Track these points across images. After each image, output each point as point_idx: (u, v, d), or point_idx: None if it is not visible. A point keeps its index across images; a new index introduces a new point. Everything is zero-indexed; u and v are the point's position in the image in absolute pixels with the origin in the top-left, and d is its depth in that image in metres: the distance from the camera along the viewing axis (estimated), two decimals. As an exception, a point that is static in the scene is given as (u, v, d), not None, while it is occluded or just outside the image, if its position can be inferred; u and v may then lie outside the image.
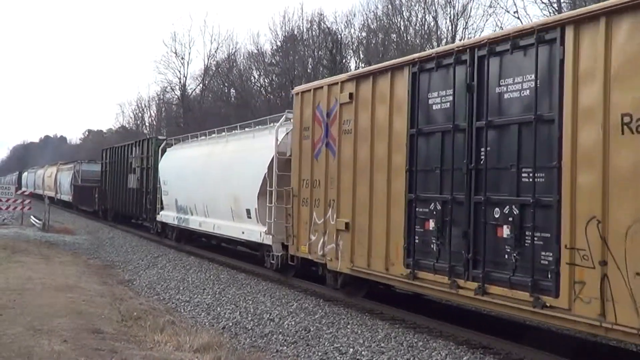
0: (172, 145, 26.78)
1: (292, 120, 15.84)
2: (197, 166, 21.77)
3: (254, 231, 17.26)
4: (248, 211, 17.62)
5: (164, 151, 26.73)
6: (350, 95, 12.94)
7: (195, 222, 22.10)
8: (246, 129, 20.13)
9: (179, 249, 24.57)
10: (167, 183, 25.03)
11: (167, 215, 25.28)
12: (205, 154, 21.59)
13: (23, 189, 61.24)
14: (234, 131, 20.96)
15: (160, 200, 26.07)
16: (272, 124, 17.75)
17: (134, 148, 31.67)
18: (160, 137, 28.92)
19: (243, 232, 18.03)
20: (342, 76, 13.79)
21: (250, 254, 20.49)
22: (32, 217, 35.10)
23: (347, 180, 13.01)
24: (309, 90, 14.80)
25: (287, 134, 15.99)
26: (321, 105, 14.08)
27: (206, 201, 20.85)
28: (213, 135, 22.47)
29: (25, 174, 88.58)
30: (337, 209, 13.27)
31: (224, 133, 21.49)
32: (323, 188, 13.85)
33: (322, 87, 14.25)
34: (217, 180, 19.76)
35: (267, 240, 16.40)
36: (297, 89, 15.71)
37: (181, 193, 23.43)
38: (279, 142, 16.10)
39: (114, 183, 35.52)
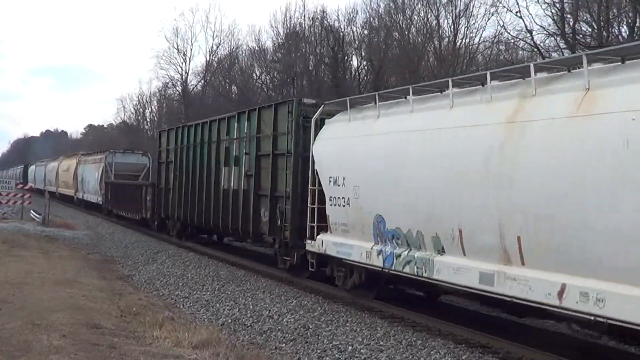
0: (334, 113, 14.83)
1: None
2: (455, 151, 10.54)
3: None
4: None
5: (318, 125, 14.92)
6: None
7: (468, 275, 10.27)
8: None
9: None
10: (346, 183, 13.24)
11: (341, 245, 13.48)
12: (491, 123, 10.03)
13: (30, 184, 59.68)
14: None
15: (316, 213, 14.49)
16: None
17: (236, 124, 19.67)
18: (306, 101, 16.43)
19: None
20: None
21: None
22: (32, 211, 35.08)
23: None
24: None
25: None
26: None
27: (524, 230, 9.25)
28: (496, 80, 10.50)
29: (32, 168, 79.92)
30: None
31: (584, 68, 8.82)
32: None
33: None
34: (578, 181, 8.50)
35: None
36: None
37: (396, 206, 11.83)
38: None
39: (187, 181, 23.40)
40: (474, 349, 10.18)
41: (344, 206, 13.35)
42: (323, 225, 14.31)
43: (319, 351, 10.38)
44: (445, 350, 10.15)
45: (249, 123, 18.79)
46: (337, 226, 13.73)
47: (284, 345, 10.87)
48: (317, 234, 14.40)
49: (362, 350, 10.27)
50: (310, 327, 11.87)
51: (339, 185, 13.53)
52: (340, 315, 12.72)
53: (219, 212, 20.46)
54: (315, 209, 14.55)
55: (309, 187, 14.78)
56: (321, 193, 14.30)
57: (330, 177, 13.85)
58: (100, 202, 39.30)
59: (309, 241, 14.67)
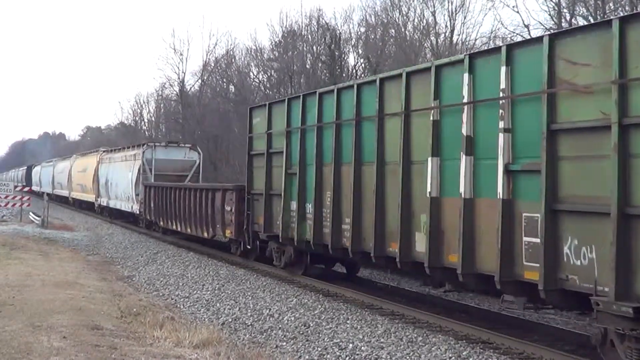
0: None
1: None
2: None
3: None
4: None
5: None
6: None
7: None
8: None
9: None
10: None
11: None
12: None
13: (31, 187, 58.39)
14: None
15: None
16: None
17: (465, 75, 10.24)
18: None
19: None
20: None
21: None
22: (31, 213, 35.09)
23: None
24: None
25: None
26: None
27: None
28: None
29: (37, 169, 71.11)
30: None
31: None
32: None
33: None
34: None
35: None
36: None
37: None
38: None
39: (320, 183, 14.38)
40: (475, 344, 10.18)
41: None
42: None
43: (319, 349, 10.38)
44: (446, 346, 10.15)
45: (509, 70, 9.61)
46: None
47: (284, 343, 10.87)
48: None
49: (363, 348, 10.27)
50: (311, 325, 11.87)
51: None
52: (341, 313, 12.71)
53: (409, 239, 11.59)
54: None
55: None
56: None
57: None
58: (136, 212, 29.62)
59: None
